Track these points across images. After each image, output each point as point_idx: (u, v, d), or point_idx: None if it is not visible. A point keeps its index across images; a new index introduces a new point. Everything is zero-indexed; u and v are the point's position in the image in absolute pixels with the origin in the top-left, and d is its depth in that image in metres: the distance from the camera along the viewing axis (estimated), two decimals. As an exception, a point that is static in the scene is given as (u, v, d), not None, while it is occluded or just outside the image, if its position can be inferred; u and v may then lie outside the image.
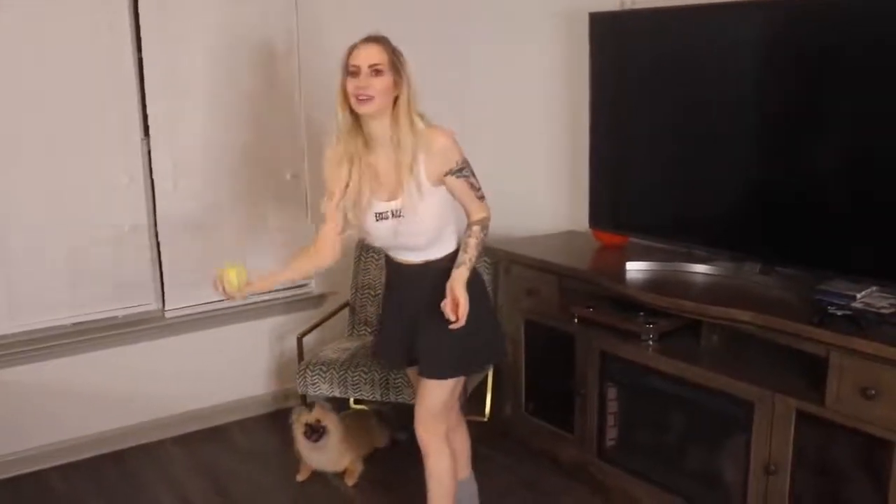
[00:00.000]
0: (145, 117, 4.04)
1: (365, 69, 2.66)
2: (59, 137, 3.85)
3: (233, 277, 2.86)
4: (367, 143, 2.79)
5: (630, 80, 3.77)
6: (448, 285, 2.72)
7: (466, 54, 4.73)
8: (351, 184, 2.82)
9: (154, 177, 4.10)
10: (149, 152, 4.07)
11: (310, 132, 4.44)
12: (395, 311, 3.04)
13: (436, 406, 2.96)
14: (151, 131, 4.05)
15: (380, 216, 2.81)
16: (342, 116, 2.76)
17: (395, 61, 2.71)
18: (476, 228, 2.83)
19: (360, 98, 2.66)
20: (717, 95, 3.41)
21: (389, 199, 2.79)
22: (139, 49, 3.97)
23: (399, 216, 2.78)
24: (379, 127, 2.74)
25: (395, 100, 2.71)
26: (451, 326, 2.71)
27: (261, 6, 4.24)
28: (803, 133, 3.16)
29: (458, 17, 4.62)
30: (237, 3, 4.17)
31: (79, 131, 3.89)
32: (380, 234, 2.84)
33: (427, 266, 2.88)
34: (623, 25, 3.84)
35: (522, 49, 4.57)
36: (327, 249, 2.97)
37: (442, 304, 2.71)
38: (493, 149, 4.52)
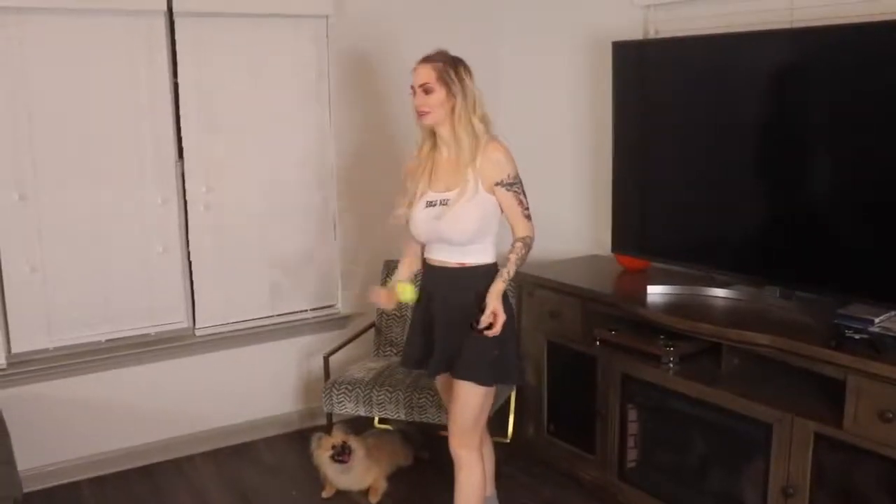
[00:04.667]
0: (179, 140, 4.16)
1: (418, 89, 2.95)
2: (96, 160, 3.97)
3: (410, 292, 3.13)
4: (436, 144, 3.05)
5: (652, 108, 3.84)
6: (487, 298, 2.91)
7: (494, 81, 4.83)
8: (414, 175, 3.08)
9: (187, 198, 4.21)
10: (182, 175, 4.19)
11: (339, 156, 4.54)
12: (428, 318, 3.12)
13: (468, 418, 3.04)
14: (185, 154, 4.17)
15: (430, 203, 3.01)
16: (419, 128, 3.07)
17: (445, 76, 2.94)
18: (518, 245, 3.00)
19: (419, 113, 2.97)
20: (739, 122, 3.46)
21: (442, 191, 3.00)
22: (175, 74, 4.10)
23: (446, 204, 2.96)
24: (443, 131, 3.00)
25: (454, 108, 2.96)
26: (486, 333, 2.89)
27: (293, 32, 4.36)
28: (824, 159, 3.22)
29: (486, 43, 4.73)
30: (270, 31, 4.29)
31: (115, 154, 4.01)
32: (425, 218, 3.01)
33: (462, 270, 3.01)
34: (645, 54, 3.92)
35: (547, 76, 4.67)
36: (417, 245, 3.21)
37: (483, 317, 2.89)
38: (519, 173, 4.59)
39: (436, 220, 2.98)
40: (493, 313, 2.90)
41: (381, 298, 3.17)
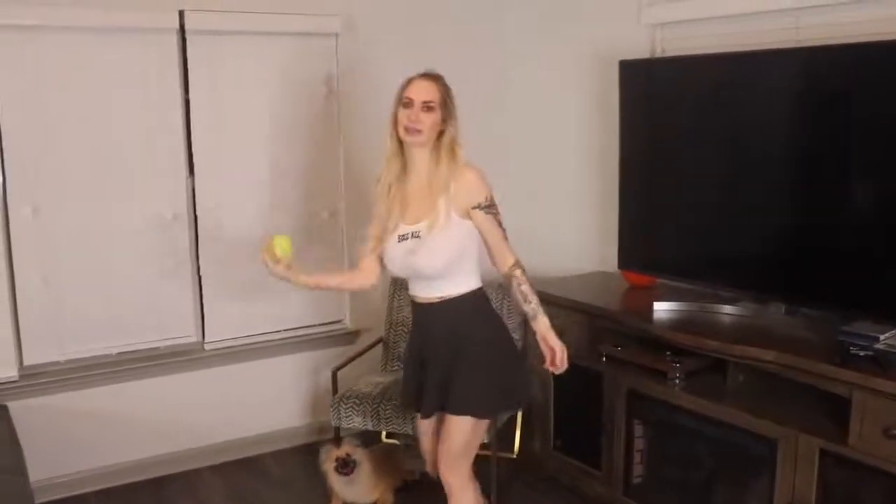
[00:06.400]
0: (191, 156, 4.21)
1: (418, 103, 2.81)
2: (108, 175, 4.03)
3: (280, 245, 2.96)
4: (405, 168, 2.91)
5: (659, 126, 3.87)
6: (539, 339, 2.87)
7: (501, 98, 4.87)
8: (384, 207, 2.93)
9: (197, 214, 4.26)
10: (193, 190, 4.24)
11: (347, 172, 4.58)
12: (419, 356, 3.03)
13: (459, 446, 2.96)
14: (196, 170, 4.22)
15: (402, 237, 2.88)
16: (389, 143, 2.90)
17: (447, 99, 2.85)
18: (519, 273, 2.90)
19: (410, 130, 2.81)
20: (745, 140, 3.50)
21: (414, 223, 2.87)
22: (187, 90, 4.15)
23: (417, 237, 2.84)
24: (419, 155, 2.87)
25: (440, 133, 2.84)
26: (553, 372, 2.88)
27: (303, 52, 4.42)
28: (829, 178, 3.24)
29: (493, 60, 4.77)
30: (281, 49, 4.35)
31: (128, 169, 4.07)
32: (396, 255, 2.90)
33: (444, 303, 2.90)
34: (652, 73, 3.95)
35: (555, 94, 4.70)
36: (369, 271, 3.05)
37: (557, 359, 2.86)
38: (526, 190, 4.63)
39: (410, 255, 2.85)
40: (552, 352, 2.86)
41: (267, 260, 2.97)
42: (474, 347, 2.89)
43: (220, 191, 4.29)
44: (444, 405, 2.94)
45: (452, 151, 2.84)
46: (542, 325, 2.88)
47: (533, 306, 2.88)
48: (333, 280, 3.28)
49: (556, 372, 2.90)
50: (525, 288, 2.89)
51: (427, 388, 2.97)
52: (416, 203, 2.88)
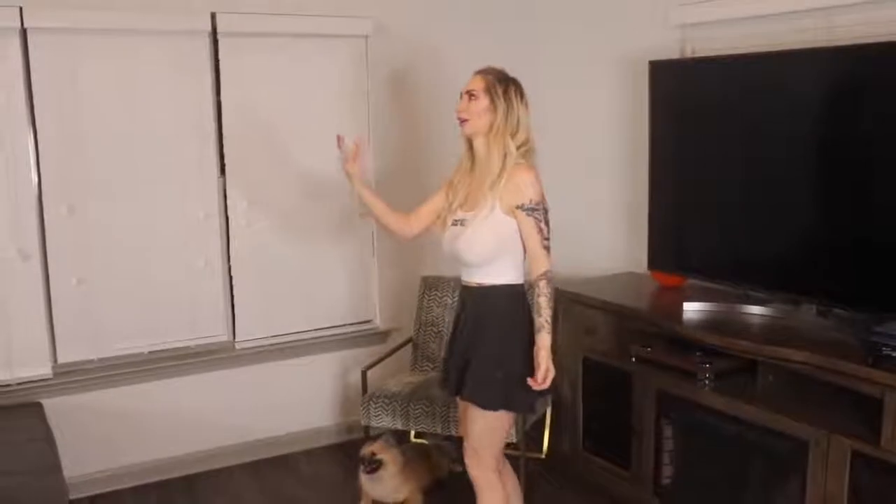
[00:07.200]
0: (222, 157, 4.25)
1: (464, 95, 2.96)
2: (141, 175, 4.08)
3: None
4: (474, 160, 3.03)
5: (689, 126, 3.85)
6: (535, 351, 2.88)
7: (532, 99, 4.86)
8: (446, 190, 3.12)
9: (228, 214, 4.30)
10: (224, 191, 4.28)
11: (377, 173, 4.60)
12: (455, 336, 3.14)
13: (477, 438, 3.03)
14: (227, 170, 4.26)
15: (454, 222, 3.02)
16: (464, 141, 3.06)
17: (492, 89, 2.92)
18: (543, 284, 2.90)
19: (458, 119, 2.97)
20: (775, 141, 3.47)
21: (469, 211, 2.97)
22: (218, 92, 4.19)
23: (463, 224, 2.96)
24: (478, 146, 2.99)
25: (493, 122, 2.93)
26: (531, 386, 2.87)
27: (333, 52, 4.45)
28: (862, 178, 3.21)
29: (524, 62, 4.75)
30: (311, 51, 4.38)
31: (160, 170, 4.12)
32: (446, 237, 3.04)
33: (480, 290, 2.99)
34: (682, 73, 3.93)
35: (585, 95, 4.70)
36: (413, 220, 3.24)
37: (538, 376, 2.85)
38: (555, 191, 4.60)
39: (454, 240, 2.98)
40: (539, 367, 2.85)
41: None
42: (488, 342, 2.96)
43: (251, 190, 4.33)
44: (460, 391, 3.04)
45: (503, 142, 2.91)
46: (543, 340, 2.87)
47: (542, 320, 2.88)
48: (381, 205, 3.30)
49: (534, 388, 2.88)
50: (542, 300, 2.89)
51: (452, 367, 3.10)
52: (473, 192, 2.99)
